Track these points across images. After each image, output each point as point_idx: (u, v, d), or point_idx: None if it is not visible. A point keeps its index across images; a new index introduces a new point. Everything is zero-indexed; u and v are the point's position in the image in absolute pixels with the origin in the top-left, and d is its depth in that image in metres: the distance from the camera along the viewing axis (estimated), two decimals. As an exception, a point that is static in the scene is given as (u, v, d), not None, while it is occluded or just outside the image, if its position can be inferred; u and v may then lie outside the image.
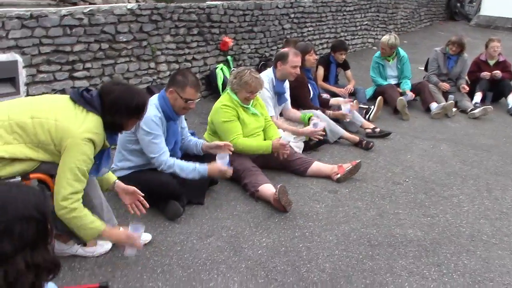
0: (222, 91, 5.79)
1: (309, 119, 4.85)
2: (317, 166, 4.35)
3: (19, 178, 2.66)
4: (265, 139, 4.33)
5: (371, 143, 5.08)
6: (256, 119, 4.26)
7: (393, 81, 6.74)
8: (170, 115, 3.54)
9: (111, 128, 2.81)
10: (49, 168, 2.73)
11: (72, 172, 2.63)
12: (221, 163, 3.60)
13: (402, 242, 3.40)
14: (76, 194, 2.66)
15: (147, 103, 2.88)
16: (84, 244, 3.01)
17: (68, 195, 2.63)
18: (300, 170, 4.34)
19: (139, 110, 2.83)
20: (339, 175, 4.25)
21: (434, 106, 6.46)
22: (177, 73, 3.63)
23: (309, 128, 4.65)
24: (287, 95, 5.03)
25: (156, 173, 3.54)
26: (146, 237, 3.20)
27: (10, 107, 2.72)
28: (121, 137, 3.46)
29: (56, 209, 2.64)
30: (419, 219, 3.72)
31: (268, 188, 3.79)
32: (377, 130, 5.49)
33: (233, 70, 5.45)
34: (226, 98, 4.14)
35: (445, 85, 6.77)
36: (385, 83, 6.70)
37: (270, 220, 3.60)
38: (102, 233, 2.77)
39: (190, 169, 3.55)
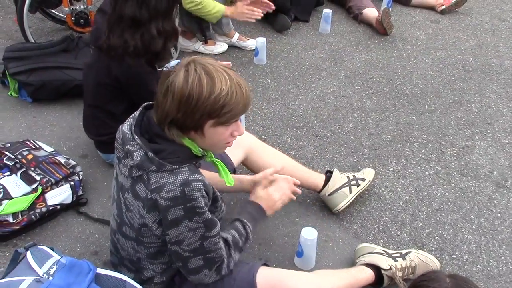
0: None
1: None
2: (423, -4, 4.39)
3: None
4: None
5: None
6: None
7: None
8: None
9: None
10: None
11: None
12: None
13: (497, 70, 3.54)
14: None
15: None
16: (206, 42, 3.48)
17: None
18: (404, -1, 4.40)
19: None
20: (444, 7, 4.28)
21: None
22: None
23: None
24: None
25: None
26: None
27: None
28: None
29: (184, 3, 3.07)
30: (519, 53, 3.79)
31: (372, 12, 3.96)
32: None
33: None
34: None
35: None
36: None
37: (370, 40, 3.84)
38: (225, 11, 3.20)
39: None
